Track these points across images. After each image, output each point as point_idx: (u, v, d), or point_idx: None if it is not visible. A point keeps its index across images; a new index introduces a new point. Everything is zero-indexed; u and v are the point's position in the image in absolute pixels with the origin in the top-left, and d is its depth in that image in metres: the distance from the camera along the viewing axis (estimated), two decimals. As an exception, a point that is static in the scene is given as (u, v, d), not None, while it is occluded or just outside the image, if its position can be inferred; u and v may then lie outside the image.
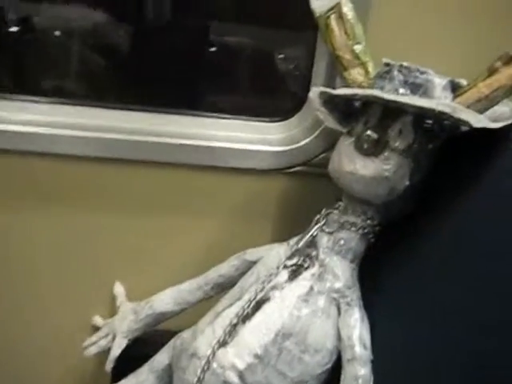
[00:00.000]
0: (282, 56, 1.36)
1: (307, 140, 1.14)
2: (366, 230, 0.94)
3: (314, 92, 0.92)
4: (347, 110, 0.95)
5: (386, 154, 0.87)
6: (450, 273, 0.85)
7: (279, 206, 1.17)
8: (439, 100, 0.87)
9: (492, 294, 0.77)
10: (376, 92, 0.85)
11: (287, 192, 1.16)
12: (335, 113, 0.96)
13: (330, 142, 1.10)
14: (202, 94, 1.36)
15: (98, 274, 1.19)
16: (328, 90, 0.90)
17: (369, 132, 0.86)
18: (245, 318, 0.91)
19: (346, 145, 0.90)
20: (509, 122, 0.85)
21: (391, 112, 0.88)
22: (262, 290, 0.91)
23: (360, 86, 0.95)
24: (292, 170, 1.15)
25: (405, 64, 0.89)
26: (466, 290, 0.81)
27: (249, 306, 0.91)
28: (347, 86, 0.97)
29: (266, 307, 0.91)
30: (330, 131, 1.04)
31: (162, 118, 1.16)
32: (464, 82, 0.90)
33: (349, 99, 0.92)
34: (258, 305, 0.91)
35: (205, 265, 1.08)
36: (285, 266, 0.93)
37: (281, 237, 1.06)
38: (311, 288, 0.91)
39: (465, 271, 0.83)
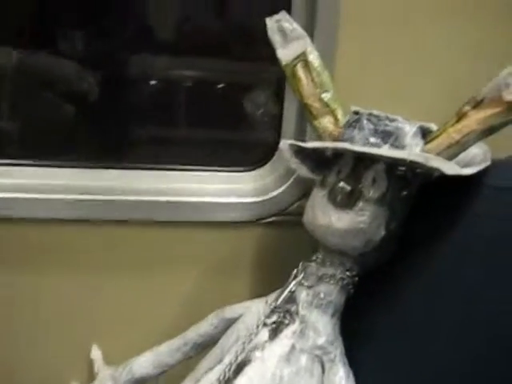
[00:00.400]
0: (250, 100, 1.35)
1: (281, 189, 1.12)
2: (345, 282, 0.92)
3: (284, 144, 0.91)
4: (319, 159, 0.93)
5: (360, 204, 0.85)
6: (432, 319, 0.84)
7: (256, 258, 1.15)
8: (410, 147, 0.86)
9: (474, 337, 0.76)
10: (347, 145, 0.84)
11: (263, 243, 1.14)
12: (307, 162, 0.95)
13: (304, 189, 1.09)
14: (168, 146, 1.33)
15: (74, 336, 1.15)
16: (298, 143, 0.89)
17: (341, 184, 0.85)
18: (227, 382, 0.87)
19: (319, 197, 0.89)
20: (481, 167, 0.84)
21: (363, 161, 0.87)
22: (242, 351, 0.88)
23: (330, 135, 0.94)
24: (266, 220, 1.12)
25: (374, 112, 0.89)
26: (450, 335, 0.80)
27: (230, 369, 0.88)
28: (318, 134, 0.95)
29: (247, 369, 0.88)
30: (304, 178, 1.02)
31: (129, 174, 1.14)
32: (434, 126, 0.89)
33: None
34: (240, 367, 0.88)
35: (183, 323, 1.05)
36: (265, 324, 0.91)
37: (260, 289, 1.05)
38: (293, 346, 0.88)
39: (447, 316, 0.82)
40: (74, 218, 1.09)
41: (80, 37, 1.26)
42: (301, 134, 1.09)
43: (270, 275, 1.12)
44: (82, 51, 1.26)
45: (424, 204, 0.92)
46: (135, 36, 1.30)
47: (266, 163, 1.16)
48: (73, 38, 1.25)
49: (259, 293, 1.01)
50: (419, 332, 0.86)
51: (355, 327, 0.93)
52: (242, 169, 1.17)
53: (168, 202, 1.10)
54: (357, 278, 0.93)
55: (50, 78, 1.28)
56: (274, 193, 1.12)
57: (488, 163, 0.86)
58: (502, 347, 0.74)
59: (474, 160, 0.88)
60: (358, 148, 0.82)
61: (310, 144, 0.89)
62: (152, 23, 1.32)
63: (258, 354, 0.89)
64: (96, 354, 1.15)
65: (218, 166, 1.18)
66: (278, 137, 1.14)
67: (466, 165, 0.87)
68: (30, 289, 1.13)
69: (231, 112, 1.32)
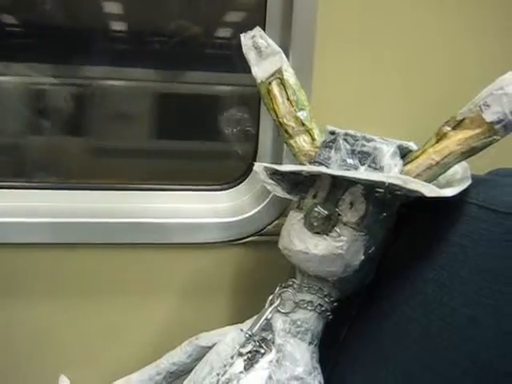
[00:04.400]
0: (226, 117, 1.31)
1: (258, 208, 1.09)
2: (323, 308, 0.89)
3: (259, 167, 0.88)
4: (295, 180, 0.91)
5: (337, 229, 0.82)
6: (416, 346, 0.80)
7: (233, 280, 1.11)
8: (389, 168, 0.83)
9: (458, 364, 0.73)
10: (323, 169, 0.81)
11: (240, 265, 1.11)
12: (283, 183, 0.92)
13: (282, 208, 1.06)
14: (140, 164, 1.29)
15: (42, 365, 1.10)
16: (272, 166, 0.86)
17: (318, 209, 0.82)
18: None
19: (295, 221, 0.86)
20: (462, 187, 0.82)
21: (340, 182, 0.84)
22: None
23: (306, 155, 0.91)
24: (243, 241, 1.09)
25: (350, 132, 0.86)
26: (433, 362, 0.76)
27: (204, 403, 0.84)
28: (293, 153, 0.92)
29: None
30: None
31: (100, 195, 1.10)
32: (413, 145, 0.87)
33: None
34: (214, 401, 0.84)
35: (157, 349, 1.02)
36: (239, 354, 0.87)
37: (237, 312, 1.03)
38: (269, 377, 0.85)
39: (430, 343, 0.78)
40: (42, 242, 1.04)
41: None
42: (277, 152, 1.07)
43: (247, 298, 1.09)
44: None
45: (403, 224, 0.90)
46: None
47: (242, 181, 1.13)
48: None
49: (237, 316, 0.98)
50: (402, 360, 0.82)
51: (334, 355, 0.90)
52: (217, 187, 1.14)
53: (140, 224, 1.07)
54: (335, 304, 0.90)
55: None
56: (251, 212, 1.09)
57: (469, 182, 0.84)
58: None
59: (453, 177, 0.86)
60: (334, 172, 0.79)
61: (285, 167, 0.86)
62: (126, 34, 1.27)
63: (233, 386, 0.85)
64: (64, 384, 1.11)
65: (192, 185, 1.13)
66: (254, 154, 1.11)
67: (446, 182, 0.85)
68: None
69: (207, 128, 1.28)
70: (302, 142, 0.92)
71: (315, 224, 0.83)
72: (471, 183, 0.84)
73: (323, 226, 0.82)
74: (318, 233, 0.83)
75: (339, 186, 0.84)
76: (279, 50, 0.94)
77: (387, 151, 0.84)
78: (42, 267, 1.06)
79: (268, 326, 0.89)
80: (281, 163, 1.04)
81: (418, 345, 0.80)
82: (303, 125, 0.92)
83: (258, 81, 0.94)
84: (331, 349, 0.91)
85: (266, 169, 0.88)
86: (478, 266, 0.76)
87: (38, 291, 1.08)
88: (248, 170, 1.12)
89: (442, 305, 0.79)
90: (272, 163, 1.00)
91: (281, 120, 0.93)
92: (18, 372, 1.11)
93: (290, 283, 0.90)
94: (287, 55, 0.95)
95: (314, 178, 0.87)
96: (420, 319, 0.81)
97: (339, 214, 0.83)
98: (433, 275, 0.82)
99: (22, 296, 1.08)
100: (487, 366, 0.70)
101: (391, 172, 0.83)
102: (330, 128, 0.88)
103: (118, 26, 1.26)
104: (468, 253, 0.78)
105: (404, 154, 0.86)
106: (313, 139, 0.92)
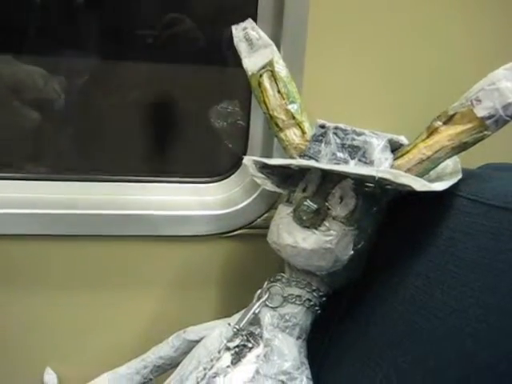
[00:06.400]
0: (217, 109, 1.30)
1: (248, 200, 1.08)
2: (311, 303, 0.88)
3: (248, 160, 0.87)
4: (285, 173, 0.90)
5: (326, 224, 0.82)
6: (406, 340, 0.79)
7: (222, 273, 1.11)
8: (379, 162, 0.82)
9: (451, 359, 0.72)
10: (312, 163, 0.81)
11: (229, 257, 1.10)
12: (273, 177, 0.92)
13: (272, 201, 1.05)
14: (129, 155, 1.27)
15: (27, 358, 1.09)
16: (262, 159, 0.86)
17: (307, 202, 0.81)
18: None
19: (285, 215, 0.85)
20: (452, 181, 0.82)
21: (330, 176, 0.83)
22: (203, 378, 0.84)
23: (297, 148, 0.90)
24: (233, 233, 1.08)
25: (340, 126, 0.85)
26: (424, 355, 0.76)
27: (190, 397, 0.83)
28: (283, 146, 0.92)
29: None
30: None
31: (89, 186, 1.09)
32: (403, 139, 0.86)
33: None
34: (200, 396, 0.84)
35: (144, 343, 1.01)
36: (227, 349, 0.87)
37: (226, 305, 1.02)
38: (257, 371, 0.84)
39: (421, 337, 0.77)
40: (30, 233, 1.03)
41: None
42: (268, 145, 1.06)
43: (236, 291, 1.08)
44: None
45: (394, 218, 0.89)
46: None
47: (232, 174, 1.12)
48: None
49: (225, 310, 0.98)
50: (391, 354, 0.82)
51: (323, 350, 0.89)
52: (207, 180, 1.13)
53: (129, 216, 1.06)
54: (324, 299, 0.90)
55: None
56: (241, 205, 1.08)
57: (459, 176, 0.84)
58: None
59: (444, 171, 0.86)
60: (324, 166, 0.79)
61: (274, 161, 0.86)
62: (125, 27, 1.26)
63: (219, 380, 0.84)
64: (50, 377, 1.09)
65: (182, 177, 1.12)
66: (244, 147, 1.10)
67: (436, 176, 0.84)
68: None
69: (197, 121, 1.27)
70: (292, 135, 0.91)
71: (304, 218, 0.82)
72: (462, 177, 0.83)
73: (312, 220, 0.82)
74: (307, 227, 0.82)
75: (329, 180, 0.84)
76: (271, 42, 0.93)
77: (377, 145, 0.83)
78: (29, 259, 1.05)
79: (256, 321, 0.88)
80: (271, 156, 1.03)
81: (408, 339, 0.79)
82: (294, 118, 0.91)
83: (249, 73, 0.94)
84: (319, 344, 0.91)
85: (255, 162, 0.87)
86: (467, 260, 0.75)
87: (25, 283, 1.07)
88: (238, 163, 1.10)
89: (431, 299, 0.78)
90: (262, 156, 1.00)
91: (271, 113, 0.92)
92: (3, 363, 1.10)
93: (279, 277, 0.90)
94: (278, 48, 0.94)
95: (303, 171, 0.87)
96: (409, 313, 0.81)
97: (329, 208, 0.83)
98: (422, 269, 0.81)
99: (8, 288, 1.07)
100: (473, 359, 0.69)
101: (382, 166, 0.82)
102: (320, 121, 0.88)
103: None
104: (458, 246, 0.78)
105: (395, 148, 0.85)
106: (303, 132, 0.91)
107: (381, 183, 0.79)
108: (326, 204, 0.83)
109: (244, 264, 1.11)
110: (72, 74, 1.25)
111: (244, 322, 0.87)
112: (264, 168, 0.90)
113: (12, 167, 1.14)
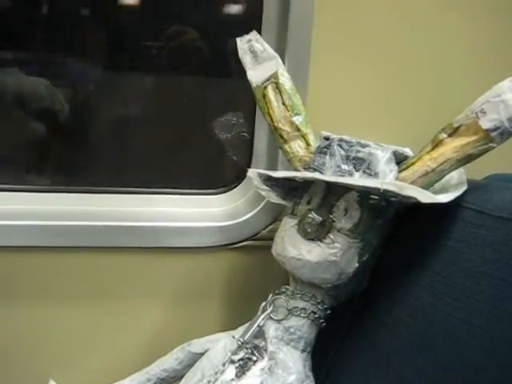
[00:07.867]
0: (222, 121, 1.30)
1: (253, 212, 1.08)
2: (316, 315, 0.88)
3: (253, 173, 0.87)
4: (290, 186, 0.90)
5: (331, 236, 0.82)
6: (412, 352, 0.79)
7: (227, 285, 1.10)
8: (384, 174, 0.82)
9: (458, 366, 0.72)
10: (317, 175, 0.81)
11: (234, 269, 1.10)
12: (277, 189, 0.92)
13: (276, 212, 1.05)
14: (135, 167, 1.27)
15: (30, 370, 1.09)
16: (267, 172, 0.86)
17: (312, 215, 0.81)
18: None
19: (289, 227, 0.85)
20: (458, 192, 0.82)
21: (335, 189, 0.83)
22: None
23: (301, 160, 0.90)
24: (238, 245, 1.08)
25: (345, 138, 0.85)
26: (431, 365, 0.76)
27: (194, 410, 0.83)
28: (288, 158, 0.92)
29: None
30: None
31: (93, 198, 1.08)
32: (408, 150, 0.86)
33: None
34: (205, 408, 0.83)
35: (148, 355, 1.01)
36: (231, 362, 0.86)
37: (231, 318, 1.01)
38: None
39: (428, 349, 0.77)
40: (33, 245, 1.03)
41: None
42: (272, 157, 1.06)
43: (240, 303, 1.08)
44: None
45: (398, 230, 0.89)
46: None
47: (236, 186, 1.12)
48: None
49: (230, 322, 0.97)
50: (397, 367, 0.81)
51: (327, 363, 0.89)
52: (211, 191, 1.13)
53: (134, 227, 1.06)
54: (329, 311, 0.89)
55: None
56: (246, 216, 1.08)
57: (464, 187, 0.83)
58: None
59: (449, 182, 0.85)
60: (328, 178, 0.79)
61: (279, 173, 0.86)
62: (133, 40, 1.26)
63: (224, 393, 0.84)
64: (53, 390, 1.09)
65: (187, 189, 1.12)
66: (249, 158, 1.10)
67: (441, 188, 0.84)
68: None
69: (202, 133, 1.27)
70: (296, 147, 0.91)
71: (309, 230, 0.82)
72: (467, 188, 0.83)
73: (317, 233, 0.82)
74: (311, 239, 0.82)
75: (334, 192, 0.83)
76: (275, 54, 0.93)
77: (382, 157, 0.83)
78: (32, 270, 1.05)
79: (260, 333, 0.88)
80: (276, 168, 1.03)
81: (413, 351, 0.79)
82: (298, 130, 0.91)
83: (254, 85, 0.94)
84: (324, 357, 0.90)
85: (259, 175, 0.87)
86: (472, 271, 0.75)
87: (27, 295, 1.07)
88: (242, 175, 1.10)
89: (436, 310, 0.78)
90: (267, 168, 1.00)
91: (276, 124, 0.92)
92: (6, 376, 1.10)
93: (283, 290, 0.89)
94: (283, 60, 0.94)
95: (308, 183, 0.87)
96: (415, 325, 0.81)
97: (333, 221, 0.82)
98: (428, 281, 0.81)
99: (10, 299, 1.07)
100: (479, 371, 0.69)
101: (386, 178, 0.82)
102: (325, 133, 0.88)
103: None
104: (463, 257, 0.77)
105: (399, 160, 0.85)
106: (308, 144, 0.91)
107: (386, 195, 0.79)
108: (331, 216, 0.82)
109: (248, 276, 1.10)
110: (76, 85, 1.25)
111: (248, 334, 0.87)
112: (269, 180, 0.89)
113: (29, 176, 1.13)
